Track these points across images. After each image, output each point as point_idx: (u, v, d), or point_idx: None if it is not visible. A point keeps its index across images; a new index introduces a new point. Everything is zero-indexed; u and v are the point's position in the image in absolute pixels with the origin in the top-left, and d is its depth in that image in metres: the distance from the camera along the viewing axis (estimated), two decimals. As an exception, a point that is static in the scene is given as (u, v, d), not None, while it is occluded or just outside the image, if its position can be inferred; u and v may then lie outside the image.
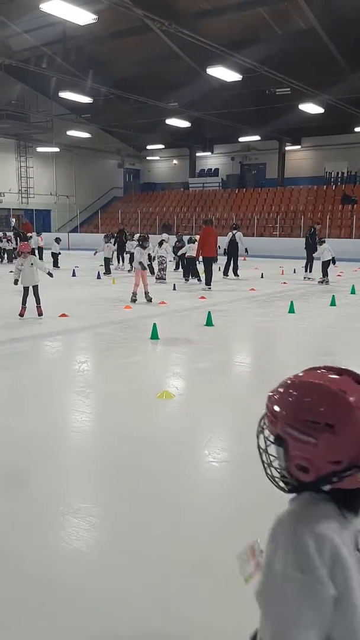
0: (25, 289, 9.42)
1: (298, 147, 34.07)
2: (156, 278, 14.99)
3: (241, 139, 32.07)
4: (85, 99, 23.76)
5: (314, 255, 15.77)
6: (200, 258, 14.19)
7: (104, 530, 3.03)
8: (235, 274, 16.43)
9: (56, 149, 32.98)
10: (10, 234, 23.77)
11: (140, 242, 11.75)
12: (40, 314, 9.49)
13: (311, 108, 22.89)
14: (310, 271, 16.16)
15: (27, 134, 32.47)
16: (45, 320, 9.40)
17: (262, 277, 16.68)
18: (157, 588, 2.53)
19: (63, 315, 9.67)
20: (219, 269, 16.19)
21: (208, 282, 13.73)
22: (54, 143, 31.74)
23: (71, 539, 2.90)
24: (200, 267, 14.50)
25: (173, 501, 3.35)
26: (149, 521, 3.10)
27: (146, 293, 11.36)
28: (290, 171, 34.33)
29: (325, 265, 14.85)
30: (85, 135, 31.46)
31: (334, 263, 14.85)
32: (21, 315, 9.49)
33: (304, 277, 16.22)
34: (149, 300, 11.33)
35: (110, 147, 37.98)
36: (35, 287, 9.39)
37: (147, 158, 40.91)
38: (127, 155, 40.34)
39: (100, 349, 7.53)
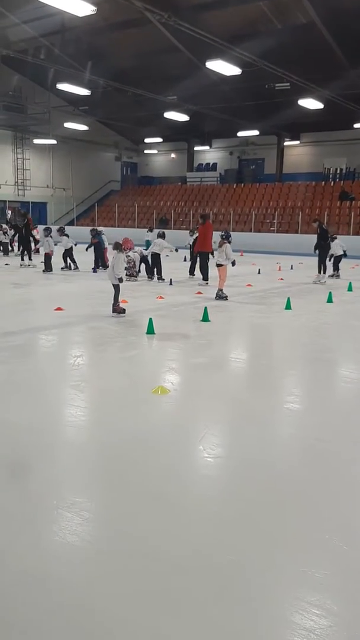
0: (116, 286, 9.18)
1: (297, 142, 33.97)
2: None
3: (240, 134, 31.95)
4: (83, 91, 23.64)
5: (331, 252, 14.93)
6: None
7: (97, 524, 3.02)
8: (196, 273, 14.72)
9: (53, 141, 32.81)
10: (6, 226, 23.62)
11: (227, 238, 11.37)
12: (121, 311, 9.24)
13: (310, 103, 22.84)
14: (323, 272, 14.51)
15: (24, 125, 32.29)
16: (40, 313, 9.36)
17: (259, 272, 16.65)
18: (151, 583, 2.52)
19: (58, 309, 9.62)
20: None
21: (205, 277, 13.72)
22: (50, 135, 31.60)
23: (64, 533, 2.89)
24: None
25: (167, 496, 3.34)
26: (142, 516, 3.09)
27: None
28: (288, 167, 34.27)
29: (337, 260, 15.42)
30: (83, 127, 31.32)
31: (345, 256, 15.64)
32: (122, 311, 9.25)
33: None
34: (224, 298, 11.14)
35: (107, 140, 37.82)
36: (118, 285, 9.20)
37: (145, 151, 40.77)
38: (124, 148, 40.18)
39: (96, 343, 7.50)
